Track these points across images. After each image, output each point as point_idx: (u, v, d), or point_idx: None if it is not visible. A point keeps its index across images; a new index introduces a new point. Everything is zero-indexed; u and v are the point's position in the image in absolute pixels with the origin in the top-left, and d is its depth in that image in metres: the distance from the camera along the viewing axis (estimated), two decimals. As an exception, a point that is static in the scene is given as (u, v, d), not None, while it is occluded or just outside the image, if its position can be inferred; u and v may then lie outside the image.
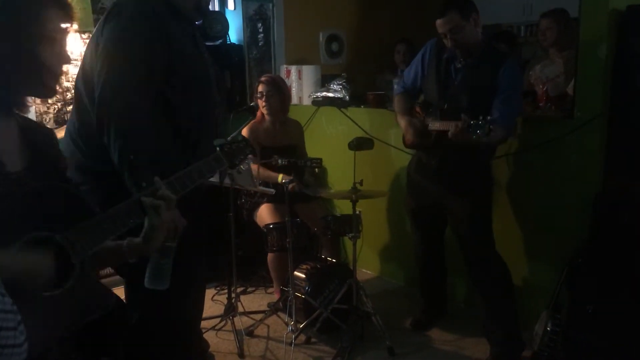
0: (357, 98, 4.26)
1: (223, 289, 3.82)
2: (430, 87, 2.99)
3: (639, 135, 2.79)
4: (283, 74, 4.68)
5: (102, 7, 3.87)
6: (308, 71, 4.66)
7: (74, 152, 2.11)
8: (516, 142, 3.18)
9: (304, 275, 3.32)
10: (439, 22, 2.76)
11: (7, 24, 1.21)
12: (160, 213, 1.39)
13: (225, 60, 4.62)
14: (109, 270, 3.76)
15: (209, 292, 3.79)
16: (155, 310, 2.10)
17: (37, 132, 1.38)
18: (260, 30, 4.90)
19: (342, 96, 4.22)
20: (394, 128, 3.90)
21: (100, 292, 1.38)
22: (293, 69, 4.67)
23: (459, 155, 2.85)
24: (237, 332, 3.20)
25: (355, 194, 3.08)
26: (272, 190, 3.48)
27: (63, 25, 1.29)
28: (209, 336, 3.22)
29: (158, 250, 1.76)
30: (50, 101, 3.91)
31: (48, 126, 3.86)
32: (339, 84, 4.27)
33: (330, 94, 4.27)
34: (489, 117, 2.48)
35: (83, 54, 2.15)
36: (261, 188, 3.45)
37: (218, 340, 3.25)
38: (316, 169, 3.86)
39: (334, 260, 3.57)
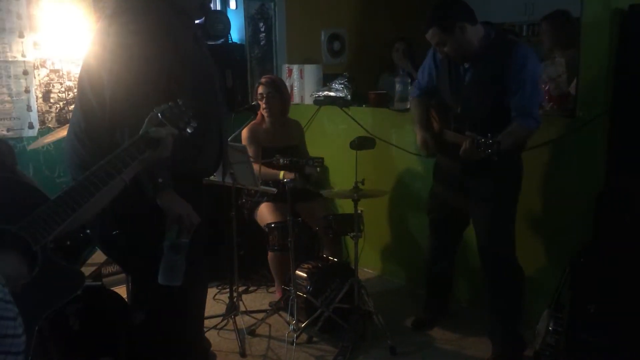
0: (359, 97, 4.26)
1: (225, 288, 3.83)
2: (443, 87, 2.93)
3: (641, 135, 2.79)
4: (285, 73, 4.68)
5: (104, 7, 3.87)
6: (310, 70, 4.65)
7: (80, 151, 2.12)
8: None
9: (305, 275, 3.33)
10: (426, 35, 2.75)
11: None
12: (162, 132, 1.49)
13: (227, 60, 4.63)
14: (112, 269, 3.78)
15: (211, 291, 3.80)
16: (159, 309, 2.11)
17: None
18: (262, 29, 4.90)
19: (343, 95, 4.21)
20: (395, 127, 3.90)
21: (68, 274, 1.38)
22: (295, 68, 4.67)
23: (482, 160, 2.70)
24: (238, 331, 3.20)
25: (356, 193, 3.08)
26: (274, 189, 3.48)
27: None
28: (210, 335, 3.22)
29: (172, 246, 1.76)
30: (52, 100, 3.92)
31: (50, 125, 3.87)
32: (340, 83, 4.27)
33: (332, 93, 4.27)
34: (497, 139, 2.44)
35: (85, 53, 2.15)
36: (262, 187, 3.45)
37: (220, 340, 3.26)
38: (318, 169, 3.86)
39: (336, 260, 3.57)
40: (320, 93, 4.35)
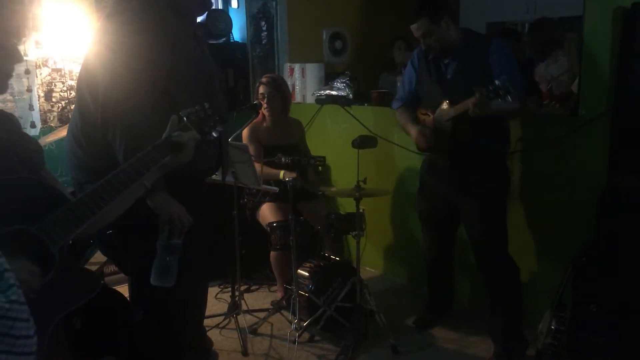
0: (361, 96, 4.26)
1: (226, 287, 3.83)
2: (426, 90, 2.99)
3: (643, 134, 2.78)
4: (286, 72, 4.68)
5: (105, 6, 3.88)
6: (311, 69, 4.65)
7: (77, 151, 2.12)
8: (520, 140, 3.17)
9: (307, 274, 3.32)
10: (412, 27, 2.83)
11: None
12: (184, 137, 1.47)
13: (229, 59, 4.63)
14: (113, 268, 3.78)
15: (213, 291, 3.80)
16: (159, 308, 2.11)
17: None
18: (264, 28, 4.90)
19: (345, 94, 4.21)
20: (397, 126, 3.89)
21: (85, 277, 1.38)
22: (296, 67, 4.67)
23: (472, 154, 2.84)
24: (240, 330, 3.20)
25: (358, 192, 3.08)
26: (276, 189, 3.48)
27: (18, 27, 1.24)
28: (212, 334, 3.22)
29: (164, 247, 1.76)
30: (54, 100, 3.92)
31: (51, 125, 3.88)
32: (342, 82, 4.26)
33: (334, 92, 4.26)
34: (503, 78, 2.47)
35: (85, 53, 2.15)
36: (264, 186, 3.45)
37: (222, 338, 3.26)
38: (319, 167, 3.85)
39: (338, 259, 3.56)
40: (322, 92, 4.35)
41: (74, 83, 3.93)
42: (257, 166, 3.33)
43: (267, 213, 3.63)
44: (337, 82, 4.30)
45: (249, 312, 3.48)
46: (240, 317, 3.28)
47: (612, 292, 2.67)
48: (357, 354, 3.05)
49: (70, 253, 1.33)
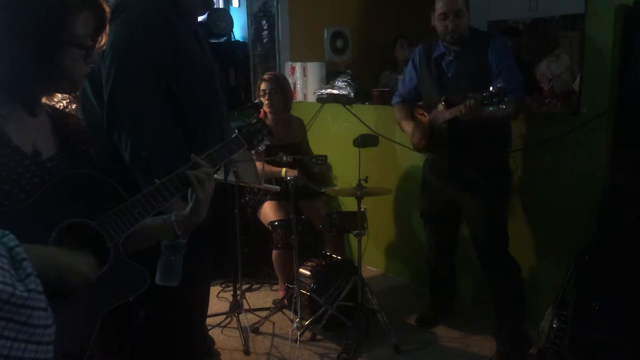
0: (362, 95, 4.26)
1: (228, 286, 3.83)
2: (426, 88, 2.99)
3: (645, 132, 2.77)
4: (288, 71, 4.68)
5: (107, 5, 3.87)
6: (313, 68, 4.65)
7: None
8: (522, 139, 3.17)
9: (309, 273, 3.32)
10: (443, 1, 2.77)
11: (34, 27, 1.19)
12: (205, 186, 1.44)
13: (230, 58, 4.63)
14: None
15: (214, 290, 3.80)
16: (163, 308, 2.11)
17: (66, 121, 1.41)
18: (265, 27, 4.90)
19: (346, 93, 4.21)
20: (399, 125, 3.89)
21: (135, 274, 1.42)
22: (298, 66, 4.67)
23: (472, 152, 2.84)
24: (242, 329, 3.20)
25: (360, 191, 3.07)
26: (277, 187, 3.48)
27: (93, 28, 1.28)
28: (214, 333, 3.22)
29: (169, 246, 1.77)
30: (55, 99, 3.92)
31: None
32: (343, 81, 4.26)
33: (335, 91, 4.26)
34: (498, 85, 2.47)
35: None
36: (266, 185, 3.45)
37: (223, 337, 3.26)
38: (322, 166, 3.85)
39: (339, 257, 3.56)
40: (324, 91, 4.35)
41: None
42: (259, 165, 3.33)
43: (268, 212, 3.63)
44: (339, 80, 4.30)
45: (251, 311, 3.49)
46: (241, 316, 3.28)
47: (615, 290, 2.67)
48: (359, 352, 3.05)
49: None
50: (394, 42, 5.16)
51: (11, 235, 0.92)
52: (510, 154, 3.04)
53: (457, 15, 2.76)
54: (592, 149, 2.92)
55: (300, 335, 3.13)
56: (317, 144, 4.11)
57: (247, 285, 3.95)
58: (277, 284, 3.83)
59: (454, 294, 3.51)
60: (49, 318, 0.90)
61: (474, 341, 3.18)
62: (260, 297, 3.85)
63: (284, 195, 3.43)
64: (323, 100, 4.34)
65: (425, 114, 2.96)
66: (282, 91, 3.74)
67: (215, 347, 3.09)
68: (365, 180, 3.12)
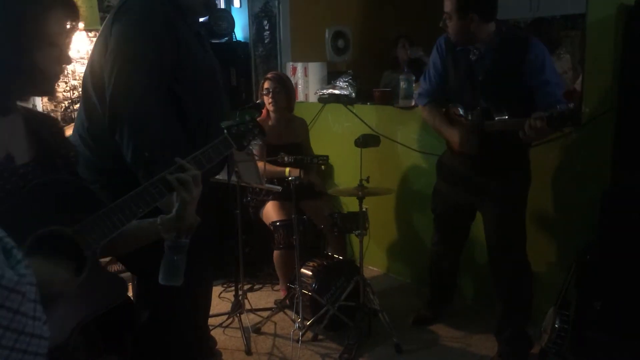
0: (364, 95, 4.25)
1: (230, 287, 3.84)
2: (455, 86, 2.83)
3: (647, 131, 2.77)
4: (289, 71, 4.68)
5: (109, 5, 3.88)
6: (314, 68, 4.65)
7: (83, 150, 2.12)
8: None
9: (310, 273, 3.33)
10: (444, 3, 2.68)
11: (8, 25, 1.17)
12: (190, 189, 1.41)
13: (231, 58, 4.63)
14: (118, 267, 3.79)
15: (216, 290, 3.81)
16: (165, 308, 2.11)
17: (42, 123, 1.37)
18: (266, 27, 4.90)
19: (348, 93, 4.21)
20: (400, 125, 3.89)
21: (113, 282, 1.38)
22: (299, 66, 4.67)
23: (494, 154, 2.72)
24: (244, 329, 3.21)
25: (361, 191, 3.08)
26: (279, 188, 3.48)
27: (67, 27, 1.25)
28: (216, 333, 3.23)
29: (172, 247, 1.77)
30: (57, 100, 3.93)
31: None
32: (345, 81, 4.26)
33: (337, 91, 4.26)
34: (568, 105, 2.29)
35: (90, 52, 2.16)
36: (267, 185, 3.45)
37: (225, 338, 3.26)
38: (322, 167, 3.85)
39: (341, 258, 3.57)
40: (325, 91, 4.35)
41: (77, 83, 3.94)
42: (260, 165, 3.33)
43: (270, 212, 3.63)
44: (340, 81, 4.30)
45: (253, 311, 3.49)
46: (243, 316, 3.28)
47: (616, 290, 2.67)
48: (361, 352, 3.05)
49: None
50: (395, 42, 5.17)
51: None
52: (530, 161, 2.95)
53: (445, 16, 2.69)
54: (594, 148, 2.92)
55: (302, 335, 3.13)
56: (319, 144, 4.11)
57: (249, 286, 3.95)
58: (279, 284, 3.83)
59: (453, 293, 3.50)
60: (45, 331, 0.87)
61: (475, 341, 3.18)
62: (262, 297, 3.85)
63: (286, 195, 3.44)
64: (324, 100, 4.34)
65: (464, 116, 2.77)
66: (285, 90, 3.75)
67: (217, 347, 3.09)
68: (367, 180, 3.12)
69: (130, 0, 2.03)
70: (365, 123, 4.03)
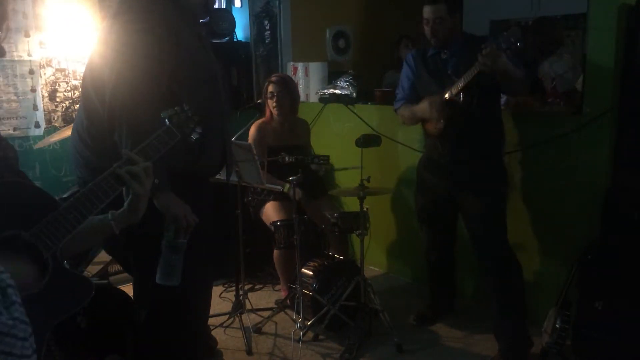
0: (365, 95, 4.25)
1: (231, 286, 3.84)
2: (425, 85, 3.01)
3: (648, 131, 2.77)
4: (290, 71, 4.68)
5: (109, 6, 3.89)
6: (315, 68, 4.65)
7: (83, 150, 2.12)
8: (524, 138, 3.16)
9: (311, 273, 3.32)
10: (427, 8, 2.88)
11: None
12: (142, 181, 1.38)
13: (232, 58, 4.63)
14: (118, 267, 3.79)
15: (217, 290, 3.81)
16: (163, 307, 2.11)
17: None
18: (267, 27, 4.90)
19: (349, 93, 4.21)
20: (401, 124, 3.88)
21: (79, 283, 1.35)
22: (300, 66, 4.67)
23: (471, 150, 2.87)
24: (245, 329, 3.21)
25: (362, 191, 3.07)
26: (280, 188, 3.48)
27: None
28: (217, 333, 3.23)
29: (169, 246, 1.77)
30: (58, 100, 3.93)
31: (56, 124, 3.89)
32: (346, 81, 4.26)
33: (337, 91, 4.26)
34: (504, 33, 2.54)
35: (90, 52, 2.16)
36: (268, 185, 3.45)
37: (226, 337, 3.26)
38: (323, 169, 3.85)
39: (342, 257, 3.57)
40: (326, 91, 4.35)
41: (78, 83, 3.94)
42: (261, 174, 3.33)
43: (271, 212, 3.63)
44: (341, 80, 4.30)
45: (253, 311, 3.49)
46: (244, 316, 3.28)
47: (617, 290, 2.66)
48: (362, 352, 3.05)
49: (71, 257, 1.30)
50: (398, 43, 5.17)
51: None
52: (512, 154, 3.04)
53: (435, 21, 2.87)
54: (595, 148, 2.92)
55: (303, 335, 3.13)
56: (320, 144, 4.11)
57: (250, 286, 3.96)
58: (280, 284, 3.83)
59: (454, 293, 3.51)
60: (29, 348, 0.87)
61: (476, 341, 3.18)
62: (263, 297, 3.85)
63: (287, 195, 3.43)
64: (325, 100, 4.34)
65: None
66: (289, 93, 3.73)
67: (218, 347, 3.10)
68: (368, 180, 3.12)
69: (130, 1, 2.03)
70: (366, 123, 4.03)
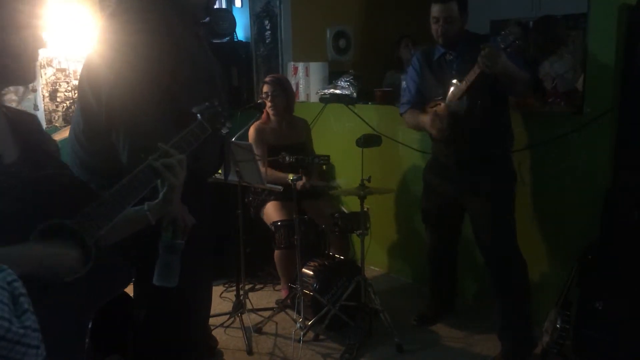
0: (365, 95, 4.25)
1: (231, 286, 3.84)
2: (430, 88, 2.99)
3: (649, 131, 2.77)
4: (290, 71, 4.68)
5: (109, 6, 3.89)
6: (315, 68, 4.65)
7: (78, 150, 2.12)
8: (525, 138, 3.16)
9: (312, 273, 3.33)
10: (437, 7, 2.84)
11: None
12: (177, 173, 1.44)
13: (233, 58, 4.63)
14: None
15: (217, 290, 3.81)
16: (162, 307, 2.11)
17: (23, 120, 1.38)
18: (268, 27, 4.90)
19: (349, 93, 4.21)
20: (402, 125, 3.88)
21: (118, 270, 1.41)
22: (300, 66, 4.67)
23: (479, 150, 2.84)
24: (245, 329, 3.21)
25: (363, 191, 3.07)
26: (280, 188, 3.48)
27: (37, 7, 1.24)
28: (217, 333, 3.23)
29: (166, 247, 1.77)
30: (58, 99, 3.93)
31: (56, 124, 3.89)
32: (346, 81, 4.26)
33: (338, 91, 4.26)
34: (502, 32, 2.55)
35: (88, 53, 2.16)
36: (269, 185, 3.45)
37: (227, 337, 3.26)
38: (324, 166, 3.85)
39: (342, 257, 3.57)
40: (326, 91, 4.35)
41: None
42: (263, 170, 3.33)
43: (271, 212, 3.63)
44: (341, 80, 4.30)
45: (254, 311, 3.49)
46: (244, 316, 3.28)
47: (618, 290, 2.66)
48: (362, 352, 3.05)
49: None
50: (399, 43, 5.17)
51: (9, 270, 0.91)
52: (512, 153, 3.04)
53: (446, 20, 2.83)
54: (596, 148, 2.91)
55: (303, 335, 3.13)
56: (320, 144, 4.11)
57: (250, 285, 3.96)
58: (280, 284, 3.83)
59: (455, 293, 3.51)
60: (40, 356, 0.89)
61: (477, 341, 3.18)
62: (263, 297, 3.85)
63: (287, 195, 3.44)
64: (326, 100, 4.34)
65: (439, 102, 2.91)
66: (284, 93, 3.75)
67: (219, 347, 3.10)
68: (368, 180, 3.12)
69: (129, 1, 2.02)
70: (366, 123, 4.03)
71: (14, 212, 1.17)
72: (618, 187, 2.82)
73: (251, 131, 3.72)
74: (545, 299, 3.02)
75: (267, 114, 3.76)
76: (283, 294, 3.68)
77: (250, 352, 3.09)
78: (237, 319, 3.30)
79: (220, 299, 3.75)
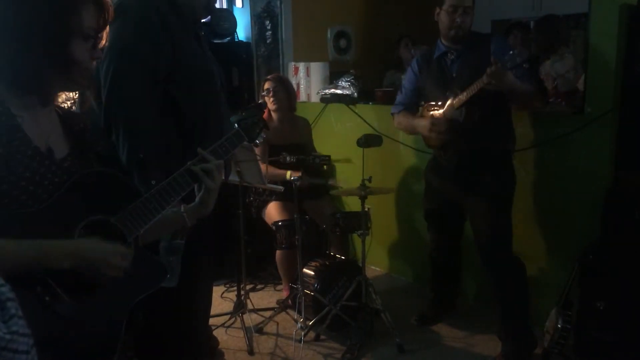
0: (366, 94, 4.25)
1: (232, 286, 3.84)
2: (430, 87, 2.98)
3: (650, 131, 2.77)
4: (291, 71, 4.68)
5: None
6: (316, 68, 4.65)
7: None
8: (525, 138, 3.16)
9: (313, 273, 3.33)
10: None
11: (45, 17, 1.23)
12: (214, 177, 1.50)
13: (233, 58, 4.63)
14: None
15: (218, 290, 3.81)
16: (161, 309, 2.11)
17: (73, 118, 1.45)
18: (268, 27, 4.90)
19: (350, 93, 4.21)
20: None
21: (155, 267, 1.48)
22: (301, 66, 4.67)
23: (478, 153, 2.84)
24: (246, 329, 3.21)
25: (364, 191, 3.08)
26: (281, 188, 3.48)
27: (100, 20, 1.32)
28: (218, 333, 3.23)
29: (167, 248, 1.77)
30: (60, 100, 3.93)
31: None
32: (347, 81, 4.26)
33: (339, 91, 4.26)
34: (518, 49, 2.54)
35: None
36: (269, 185, 3.45)
37: (228, 337, 3.27)
38: (324, 166, 3.85)
39: (343, 257, 3.57)
40: (327, 91, 4.35)
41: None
42: (262, 167, 3.34)
43: (272, 212, 3.63)
44: (342, 80, 4.30)
45: (255, 311, 3.49)
46: (245, 316, 3.28)
47: (619, 289, 2.66)
48: (363, 352, 3.05)
49: None
50: (398, 42, 5.17)
51: None
52: (513, 153, 3.03)
53: (465, 11, 2.78)
54: (596, 148, 2.91)
55: (304, 335, 3.13)
56: (321, 144, 4.11)
57: (251, 286, 3.96)
58: (281, 284, 3.83)
59: (456, 293, 3.51)
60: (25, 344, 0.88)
61: (478, 341, 3.17)
62: (264, 297, 3.85)
63: (288, 195, 3.44)
64: (326, 100, 4.34)
65: (437, 108, 2.90)
66: (285, 89, 3.76)
67: (219, 347, 3.10)
68: (369, 180, 3.12)
69: (126, 1, 2.03)
70: (367, 123, 4.03)
71: (65, 205, 1.25)
72: (619, 187, 2.82)
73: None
74: (546, 299, 3.02)
75: (269, 113, 3.76)
76: (284, 294, 3.68)
77: (251, 352, 3.09)
78: (238, 319, 3.30)
79: (221, 299, 3.75)
